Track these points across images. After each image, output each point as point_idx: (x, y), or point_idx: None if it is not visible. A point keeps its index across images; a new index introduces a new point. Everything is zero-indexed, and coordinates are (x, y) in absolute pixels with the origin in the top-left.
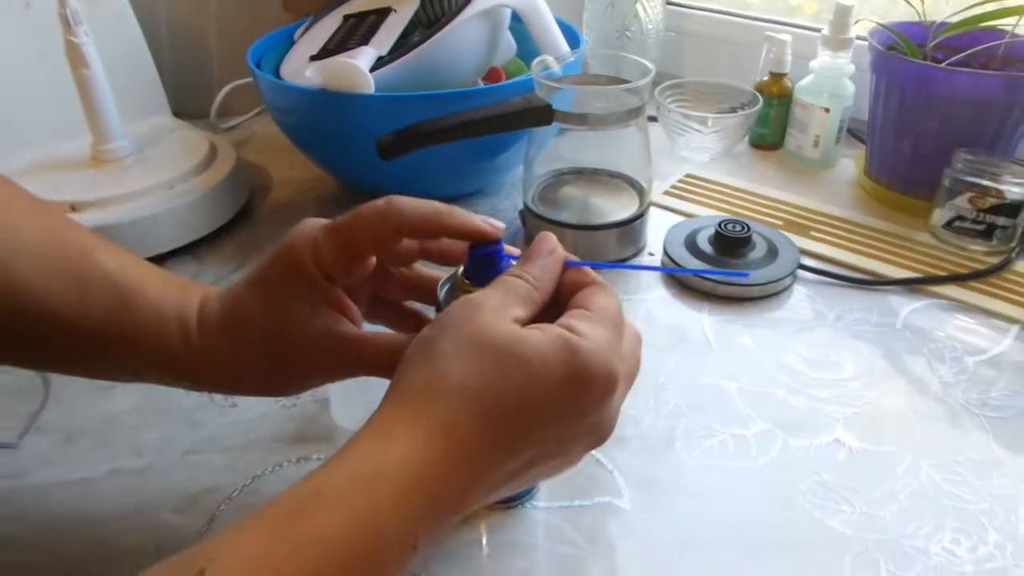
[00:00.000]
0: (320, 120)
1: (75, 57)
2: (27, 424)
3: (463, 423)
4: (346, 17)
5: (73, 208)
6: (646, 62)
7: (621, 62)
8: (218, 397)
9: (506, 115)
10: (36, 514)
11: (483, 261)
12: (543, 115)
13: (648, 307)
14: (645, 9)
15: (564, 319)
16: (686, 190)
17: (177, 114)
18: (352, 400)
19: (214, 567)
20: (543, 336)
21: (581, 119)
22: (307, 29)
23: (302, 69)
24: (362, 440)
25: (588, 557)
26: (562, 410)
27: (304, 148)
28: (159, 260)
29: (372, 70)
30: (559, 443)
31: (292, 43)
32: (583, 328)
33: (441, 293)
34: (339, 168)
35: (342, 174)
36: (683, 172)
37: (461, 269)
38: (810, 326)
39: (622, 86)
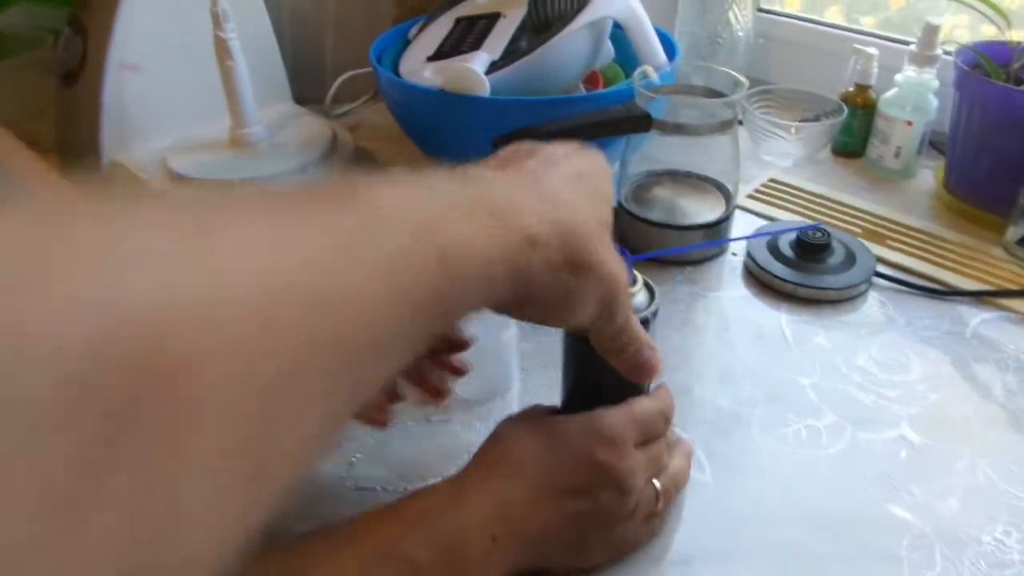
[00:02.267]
0: (437, 117)
1: (222, 50)
2: None
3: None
4: (458, 20)
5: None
6: (739, 76)
7: (712, 73)
8: None
9: (609, 121)
10: None
11: None
12: (642, 123)
13: (729, 304)
14: (736, 16)
15: None
16: (769, 194)
17: (296, 101)
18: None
19: None
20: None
21: (677, 128)
22: (421, 29)
23: (420, 69)
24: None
25: (673, 523)
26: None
27: (418, 141)
28: None
29: (486, 74)
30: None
31: (407, 42)
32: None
33: None
34: (449, 159)
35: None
36: (767, 176)
37: None
38: (882, 330)
39: (718, 100)
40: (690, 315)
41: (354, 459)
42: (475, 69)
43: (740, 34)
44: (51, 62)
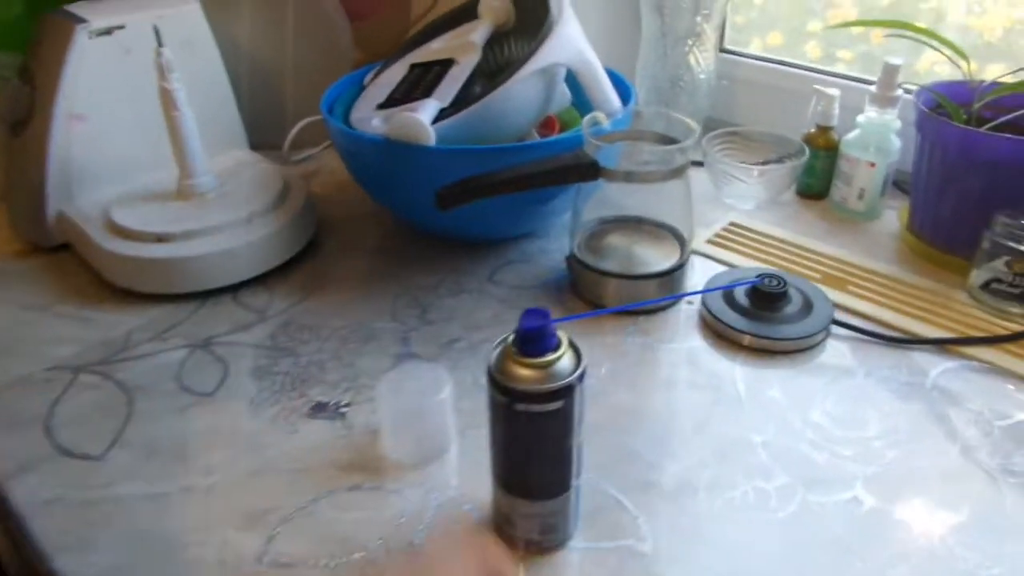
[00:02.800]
0: (384, 166)
1: (167, 101)
2: (113, 438)
3: None
4: (412, 66)
5: (160, 239)
6: (692, 123)
7: (668, 118)
8: (280, 421)
9: (555, 170)
10: (118, 521)
11: (530, 335)
12: (590, 172)
13: (682, 356)
14: (697, 58)
15: None
16: (729, 239)
17: (253, 147)
18: (401, 433)
19: None
20: None
21: (627, 176)
22: (376, 75)
23: (370, 117)
24: None
25: None
26: None
27: (368, 189)
28: (233, 290)
29: (435, 121)
30: None
31: (363, 88)
32: None
33: (492, 356)
34: (400, 209)
35: (403, 215)
36: (728, 220)
37: (511, 337)
38: (839, 382)
39: (669, 147)
40: (640, 369)
41: (275, 532)
42: (419, 119)
43: (702, 76)
44: (1, 111)
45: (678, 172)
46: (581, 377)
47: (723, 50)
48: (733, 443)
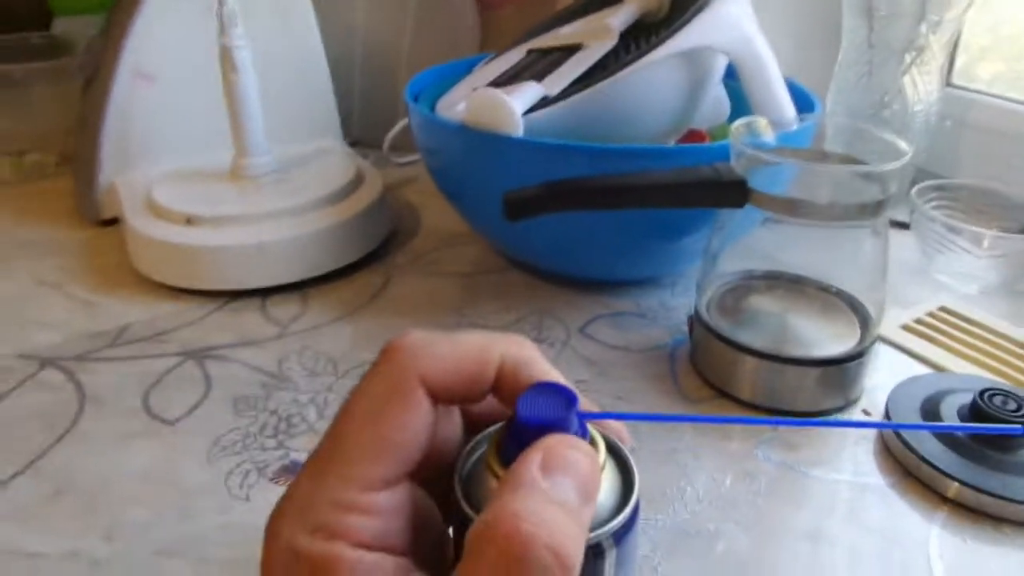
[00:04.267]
0: (458, 160)
1: (226, 61)
2: (29, 461)
3: None
4: (530, 51)
5: (189, 221)
6: (902, 143)
7: (870, 140)
8: (234, 479)
9: (679, 186)
10: None
11: (529, 432)
12: (732, 194)
13: (842, 496)
14: (915, 84)
15: None
16: (937, 328)
17: (359, 143)
18: None
19: None
20: None
21: (789, 207)
22: (489, 62)
23: (459, 102)
24: None
25: None
26: None
27: (445, 192)
28: (261, 294)
29: (535, 110)
30: None
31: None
32: None
33: (463, 467)
34: (481, 225)
35: (485, 232)
36: (937, 304)
37: (494, 436)
38: None
39: (855, 167)
40: (771, 505)
41: None
42: (505, 99)
43: (918, 108)
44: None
45: (869, 211)
46: (628, 524)
47: (951, 84)
48: None
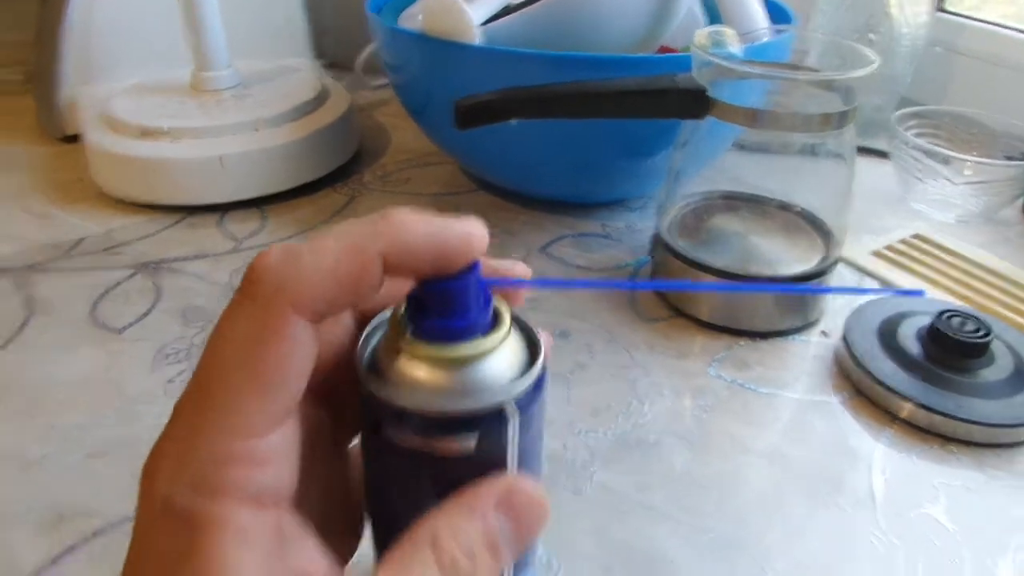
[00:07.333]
0: (416, 72)
1: None
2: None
3: None
4: None
5: (144, 134)
6: (872, 53)
7: (841, 51)
8: (176, 386)
9: (635, 94)
10: None
11: (435, 297)
12: (691, 104)
13: (797, 412)
14: (902, 8)
15: None
16: (908, 255)
17: (335, 64)
18: None
19: None
20: None
21: (751, 117)
22: None
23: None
24: None
25: None
26: None
27: (409, 111)
28: (220, 210)
29: (496, 18)
30: None
31: None
32: None
33: (364, 351)
34: (444, 141)
35: (450, 149)
36: (911, 231)
37: (402, 308)
38: None
39: (816, 75)
40: (721, 422)
41: (70, 547)
42: (459, 5)
43: (905, 31)
44: None
45: (830, 121)
46: (532, 393)
47: (942, 9)
48: None
